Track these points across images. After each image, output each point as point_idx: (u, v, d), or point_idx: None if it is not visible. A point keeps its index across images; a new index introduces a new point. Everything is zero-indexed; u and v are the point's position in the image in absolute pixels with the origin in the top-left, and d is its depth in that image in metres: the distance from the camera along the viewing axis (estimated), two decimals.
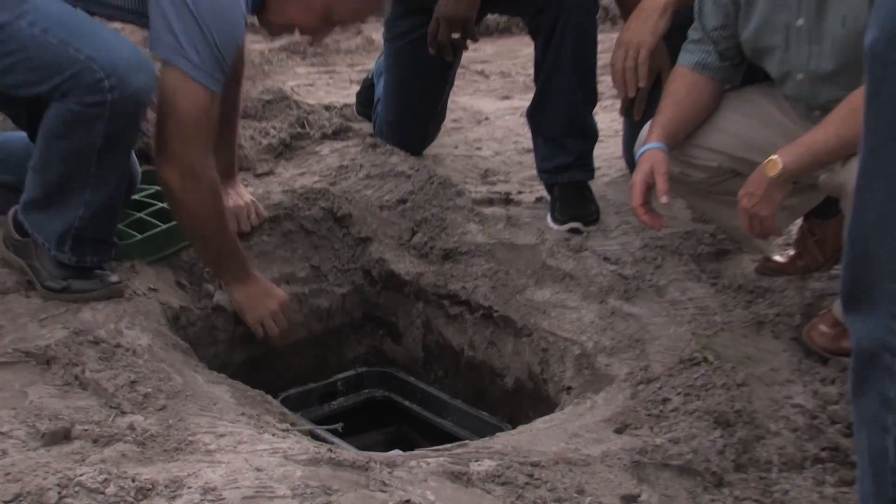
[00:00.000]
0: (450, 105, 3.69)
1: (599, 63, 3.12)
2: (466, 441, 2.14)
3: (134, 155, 2.74)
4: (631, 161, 3.02)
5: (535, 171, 3.24)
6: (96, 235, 2.45)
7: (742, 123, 2.47)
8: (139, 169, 2.80)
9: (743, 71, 2.52)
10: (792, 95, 2.40)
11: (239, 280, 2.60)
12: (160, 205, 2.84)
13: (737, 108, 2.49)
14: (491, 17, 5.28)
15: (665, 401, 2.17)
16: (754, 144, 2.43)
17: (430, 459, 1.93)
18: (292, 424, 2.23)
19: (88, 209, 2.38)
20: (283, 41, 4.82)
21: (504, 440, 2.10)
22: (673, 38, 2.58)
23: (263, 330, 2.65)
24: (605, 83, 4.07)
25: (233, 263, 2.57)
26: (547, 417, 2.29)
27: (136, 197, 2.86)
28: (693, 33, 2.49)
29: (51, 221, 2.41)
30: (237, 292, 2.62)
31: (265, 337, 2.67)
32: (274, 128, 3.55)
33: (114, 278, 2.47)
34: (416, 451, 2.04)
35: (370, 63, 4.55)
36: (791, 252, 2.74)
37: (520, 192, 3.29)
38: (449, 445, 2.07)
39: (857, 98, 2.09)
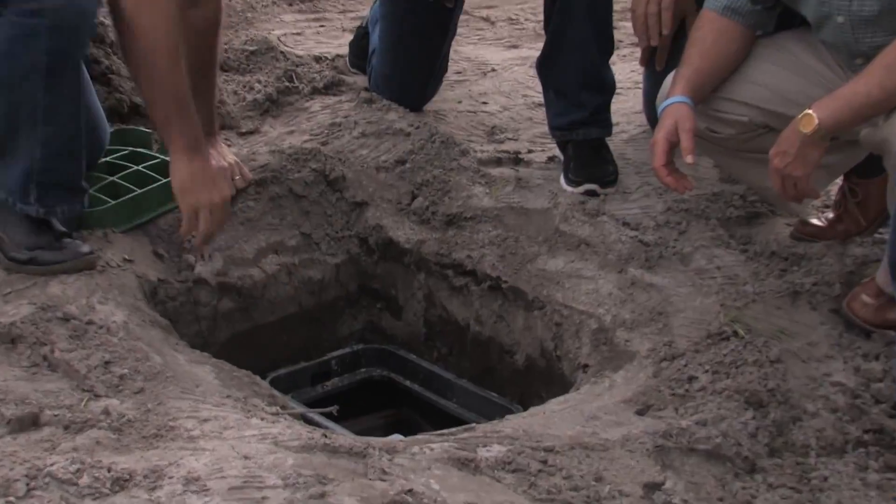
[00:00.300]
0: (452, 55, 3.66)
1: (617, 7, 3.09)
2: (473, 425, 2.14)
3: (102, 110, 2.73)
4: (652, 116, 3.00)
5: (546, 128, 3.22)
6: (61, 180, 2.42)
7: (775, 74, 2.44)
8: (107, 126, 2.79)
9: (776, 15, 2.49)
10: (831, 42, 2.38)
11: (188, 149, 2.44)
12: (135, 167, 2.82)
13: (769, 57, 2.47)
14: None
15: (691, 379, 2.17)
16: (788, 97, 2.41)
17: (434, 445, 1.93)
18: (283, 408, 2.24)
19: (46, 149, 2.35)
20: None
21: (514, 423, 2.10)
22: None
23: (191, 222, 2.50)
24: (623, 30, 4.03)
25: (185, 124, 2.42)
26: (561, 398, 2.29)
27: (107, 159, 2.85)
28: None
29: (7, 168, 2.38)
30: (182, 164, 2.44)
31: (188, 233, 2.53)
32: (259, 82, 3.53)
33: (85, 248, 2.46)
34: (419, 436, 2.05)
35: (364, 10, 4.51)
36: (830, 215, 2.73)
37: (530, 151, 3.27)
38: (454, 430, 2.07)
39: None
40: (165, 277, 2.65)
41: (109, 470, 1.74)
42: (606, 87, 3.12)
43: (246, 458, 1.80)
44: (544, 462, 1.89)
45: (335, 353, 2.93)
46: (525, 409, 2.43)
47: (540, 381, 2.68)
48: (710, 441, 1.98)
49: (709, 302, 2.46)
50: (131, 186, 2.73)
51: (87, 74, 2.73)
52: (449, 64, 3.61)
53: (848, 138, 2.32)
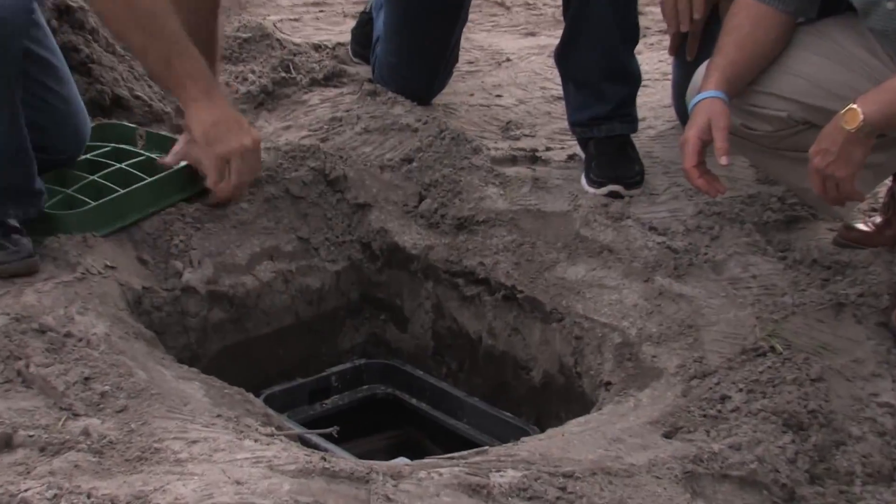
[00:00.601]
0: (463, 44, 3.66)
1: None
2: (486, 447, 2.14)
3: (81, 103, 2.74)
4: (682, 111, 3.00)
5: (566, 124, 3.22)
6: (8, 185, 2.42)
7: (817, 64, 2.44)
8: (88, 120, 2.79)
9: (819, 0, 2.49)
10: (879, 29, 2.37)
11: (202, 94, 2.33)
12: (117, 165, 2.83)
13: (811, 46, 2.46)
14: None
15: (724, 399, 2.17)
16: (831, 90, 2.40)
17: (443, 469, 1.93)
18: (278, 428, 2.24)
19: None
20: None
21: (531, 446, 2.10)
22: None
23: (221, 173, 2.38)
24: (651, 15, 4.03)
25: (190, 65, 2.31)
26: (582, 419, 2.29)
27: (88, 156, 2.86)
28: None
29: None
30: (201, 111, 2.32)
31: (216, 185, 2.40)
32: (253, 72, 3.54)
33: (27, 250, 2.43)
34: (426, 460, 2.04)
35: None
36: (877, 219, 2.72)
37: (548, 149, 3.27)
38: (465, 453, 2.07)
39: None
40: (151, 285, 2.65)
41: (89, 496, 1.74)
42: (631, 78, 3.12)
43: (238, 483, 1.80)
44: (563, 489, 1.89)
45: (335, 369, 2.92)
46: (542, 430, 2.42)
47: (558, 399, 2.68)
48: (745, 467, 1.97)
49: (743, 314, 2.45)
50: (114, 186, 2.73)
51: (65, 65, 2.75)
52: (460, 53, 3.61)
53: None
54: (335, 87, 3.52)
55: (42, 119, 2.59)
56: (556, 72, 3.29)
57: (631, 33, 3.09)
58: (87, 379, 2.12)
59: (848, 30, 2.45)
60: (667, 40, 3.02)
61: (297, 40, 3.89)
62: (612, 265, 2.69)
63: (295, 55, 3.65)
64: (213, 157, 2.39)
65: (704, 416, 2.14)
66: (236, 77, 3.50)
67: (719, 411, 2.14)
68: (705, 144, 2.38)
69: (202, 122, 2.36)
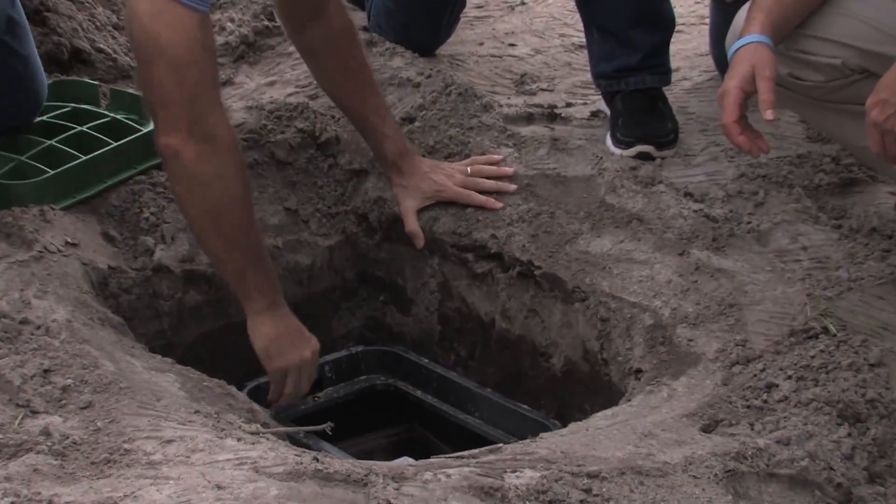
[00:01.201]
0: None
1: None
2: (500, 445, 2.14)
3: (38, 58, 2.73)
4: (721, 59, 2.99)
5: (588, 76, 3.22)
6: None
7: (877, 4, 2.43)
8: (45, 78, 2.79)
9: None
10: None
11: (266, 308, 2.55)
12: (78, 128, 2.83)
13: None
14: None
15: (770, 387, 2.17)
16: (892, 33, 2.40)
17: (451, 470, 1.93)
18: (264, 425, 2.24)
19: None
20: None
21: (550, 443, 2.11)
22: None
23: (280, 385, 2.63)
24: None
25: (263, 280, 2.54)
26: (608, 411, 2.29)
27: (44, 118, 2.86)
28: None
29: None
30: (264, 326, 2.56)
31: (277, 398, 2.65)
32: (232, 20, 3.53)
33: None
34: (432, 460, 2.05)
35: None
36: None
37: (569, 105, 3.27)
38: (476, 451, 2.07)
39: None
40: (118, 265, 2.66)
41: (50, 503, 1.75)
42: (663, 23, 3.12)
43: (219, 487, 1.81)
44: (588, 491, 1.89)
45: (329, 357, 2.93)
46: (564, 424, 2.43)
47: (582, 390, 2.69)
48: (795, 464, 1.98)
49: (792, 291, 2.45)
50: (74, 152, 2.74)
51: (24, 16, 2.75)
52: None
53: None
54: None
55: None
56: (577, 16, 3.29)
57: None
58: (46, 371, 2.12)
59: None
60: None
61: None
62: (641, 237, 2.70)
63: None
64: (271, 371, 2.60)
65: (748, 407, 2.14)
66: (213, 26, 3.49)
67: (765, 401, 2.14)
68: (747, 96, 2.37)
69: (262, 336, 2.57)
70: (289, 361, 2.59)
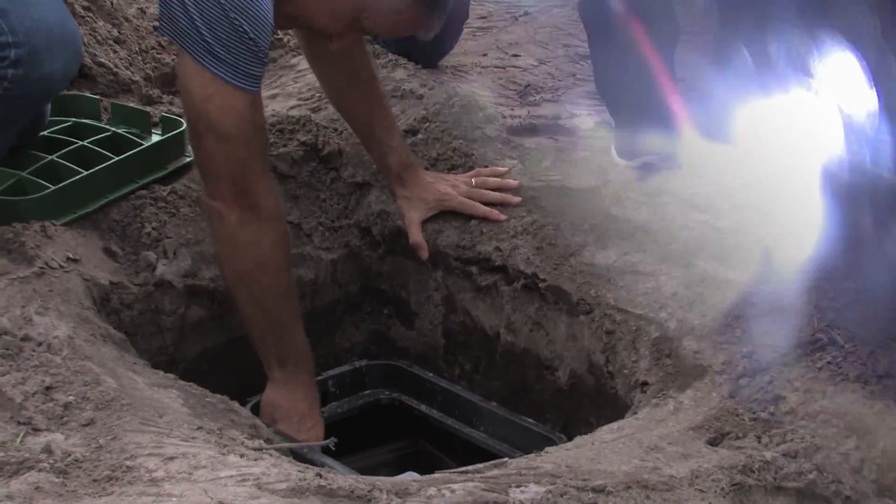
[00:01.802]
0: None
1: None
2: (505, 459, 2.14)
3: None
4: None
5: (593, 86, 3.22)
6: None
7: None
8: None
9: None
10: None
11: (281, 379, 2.61)
12: (80, 143, 2.83)
13: None
14: None
15: (777, 400, 2.17)
16: None
17: (456, 485, 1.93)
18: (267, 441, 2.24)
19: None
20: None
21: (556, 457, 2.11)
22: None
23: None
24: None
25: (286, 349, 2.60)
26: (614, 425, 2.29)
27: (45, 133, 2.86)
28: None
29: None
30: (272, 394, 2.63)
31: None
32: None
33: None
34: (437, 475, 2.05)
35: None
36: None
37: (573, 116, 3.26)
38: (481, 466, 2.07)
39: None
40: (120, 280, 2.66)
41: None
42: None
43: None
44: None
45: (333, 372, 2.93)
46: (569, 438, 2.43)
47: (587, 403, 2.69)
48: (802, 477, 1.98)
49: (799, 302, 2.44)
50: (75, 167, 2.74)
51: None
52: (471, 6, 3.61)
53: None
54: None
55: None
56: (580, 26, 3.28)
57: None
58: (48, 388, 2.12)
59: None
60: None
61: None
62: (647, 248, 2.69)
63: None
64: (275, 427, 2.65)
65: (755, 419, 2.14)
66: None
67: (772, 414, 2.14)
68: None
69: (269, 402, 2.65)
70: (287, 431, 2.63)
